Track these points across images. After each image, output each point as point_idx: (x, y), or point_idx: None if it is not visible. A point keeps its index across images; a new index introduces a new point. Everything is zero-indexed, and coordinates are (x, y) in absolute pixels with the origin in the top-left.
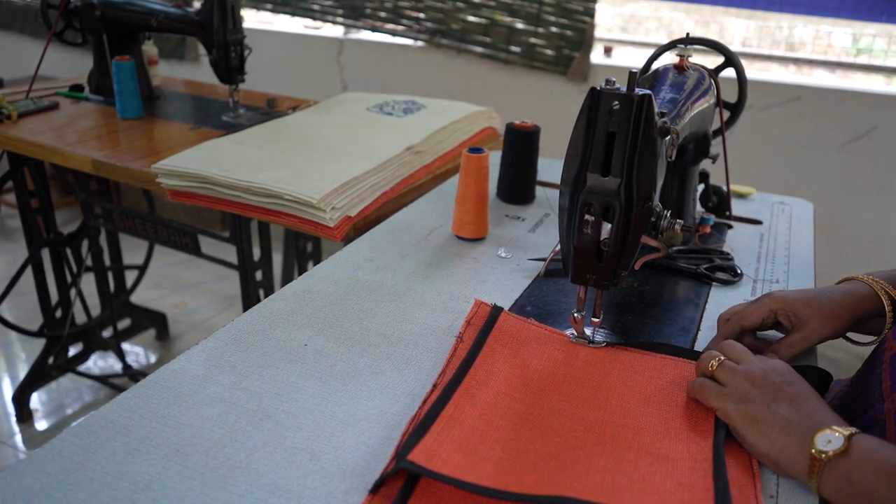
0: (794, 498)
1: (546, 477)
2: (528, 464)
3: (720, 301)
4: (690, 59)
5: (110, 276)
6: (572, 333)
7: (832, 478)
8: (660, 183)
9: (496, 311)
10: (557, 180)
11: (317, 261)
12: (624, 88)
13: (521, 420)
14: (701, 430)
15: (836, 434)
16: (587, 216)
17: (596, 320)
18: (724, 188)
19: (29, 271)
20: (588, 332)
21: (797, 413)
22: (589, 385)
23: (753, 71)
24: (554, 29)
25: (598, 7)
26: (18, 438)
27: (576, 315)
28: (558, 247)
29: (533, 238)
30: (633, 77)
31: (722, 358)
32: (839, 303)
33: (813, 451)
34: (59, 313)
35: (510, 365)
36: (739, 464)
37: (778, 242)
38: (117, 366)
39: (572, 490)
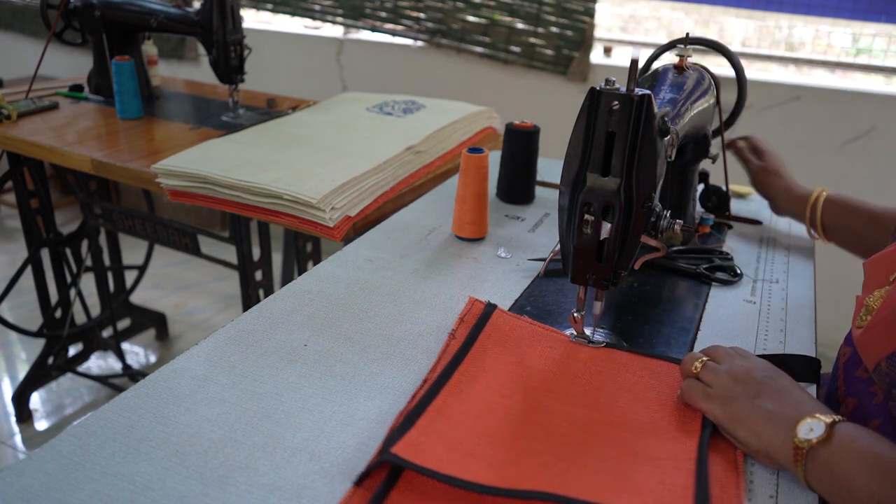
0: (794, 498)
1: (527, 472)
2: (510, 459)
3: (720, 301)
4: (690, 59)
5: (110, 276)
6: (572, 333)
7: (815, 466)
8: (660, 183)
9: (490, 308)
10: (557, 180)
11: (316, 261)
12: (623, 88)
13: (509, 416)
14: (688, 430)
15: (818, 422)
16: (587, 216)
17: (598, 303)
18: (724, 188)
19: (29, 271)
20: (588, 331)
21: (781, 405)
22: (579, 383)
23: (753, 71)
24: (554, 29)
25: (598, 7)
26: (18, 438)
27: (575, 315)
28: (558, 247)
29: (533, 238)
30: (634, 65)
31: (705, 359)
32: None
33: (796, 439)
34: (58, 313)
35: (501, 362)
36: (726, 462)
37: (778, 242)
38: (117, 366)
39: (551, 486)
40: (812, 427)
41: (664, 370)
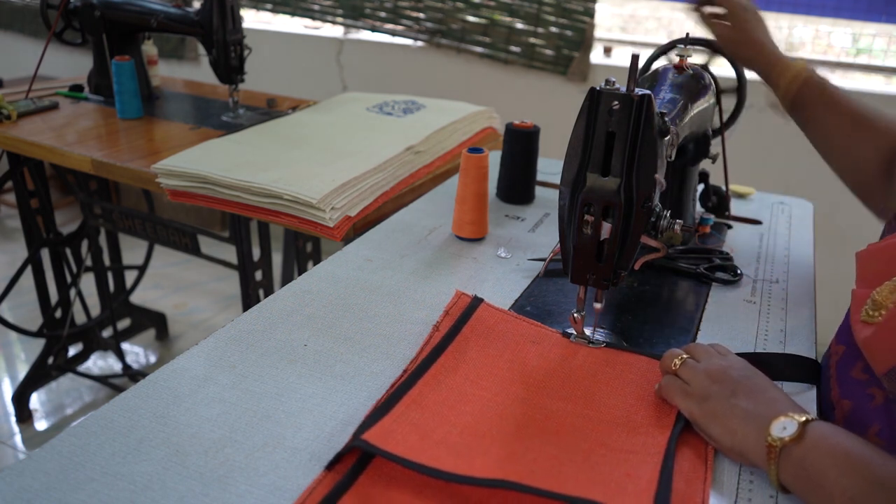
0: (794, 498)
1: (495, 462)
2: (481, 449)
3: (720, 301)
4: (690, 59)
5: (110, 276)
6: (572, 334)
7: (788, 464)
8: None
9: (476, 301)
10: (557, 180)
11: (316, 261)
12: (623, 88)
13: (485, 407)
14: (661, 425)
15: (792, 420)
16: (587, 216)
17: (598, 305)
18: (724, 188)
19: (29, 271)
20: (588, 332)
21: (756, 403)
22: (558, 376)
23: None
24: (553, 29)
25: (598, 7)
26: (18, 438)
27: (575, 315)
28: (558, 246)
29: (533, 238)
30: (635, 63)
31: (685, 356)
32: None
33: (769, 437)
34: (58, 313)
35: (483, 354)
36: (695, 457)
37: (778, 242)
38: (117, 366)
39: (517, 475)
40: (785, 426)
41: (644, 366)
